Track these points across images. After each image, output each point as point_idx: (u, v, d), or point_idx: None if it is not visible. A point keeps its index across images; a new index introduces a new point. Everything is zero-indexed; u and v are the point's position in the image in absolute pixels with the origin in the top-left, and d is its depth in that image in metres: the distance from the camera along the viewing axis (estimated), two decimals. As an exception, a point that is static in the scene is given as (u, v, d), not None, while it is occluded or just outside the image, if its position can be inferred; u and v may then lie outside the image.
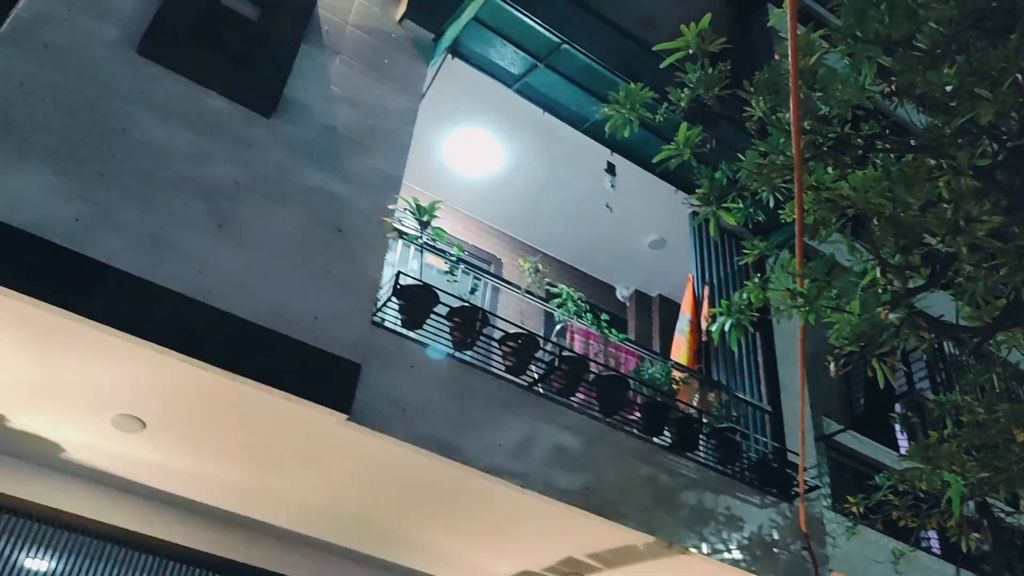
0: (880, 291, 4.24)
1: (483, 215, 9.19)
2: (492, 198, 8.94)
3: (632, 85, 4.56)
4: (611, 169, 7.50)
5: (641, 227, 9.09)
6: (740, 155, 4.80)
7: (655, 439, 6.42)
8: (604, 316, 6.79)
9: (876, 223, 3.85)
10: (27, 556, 5.54)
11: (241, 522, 6.26)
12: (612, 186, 7.49)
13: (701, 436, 6.53)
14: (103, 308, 4.39)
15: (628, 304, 9.93)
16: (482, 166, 8.53)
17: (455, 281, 6.01)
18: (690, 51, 4.33)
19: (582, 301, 6.68)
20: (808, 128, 4.01)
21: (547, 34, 6.90)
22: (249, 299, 4.90)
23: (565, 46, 6.93)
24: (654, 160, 4.62)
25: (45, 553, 5.61)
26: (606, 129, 4.83)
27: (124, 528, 5.86)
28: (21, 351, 4.65)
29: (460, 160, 8.47)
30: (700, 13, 10.52)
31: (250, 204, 5.24)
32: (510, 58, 7.26)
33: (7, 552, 5.46)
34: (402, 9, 6.96)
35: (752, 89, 4.28)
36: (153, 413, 5.10)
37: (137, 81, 5.24)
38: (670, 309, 9.58)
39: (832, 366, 4.21)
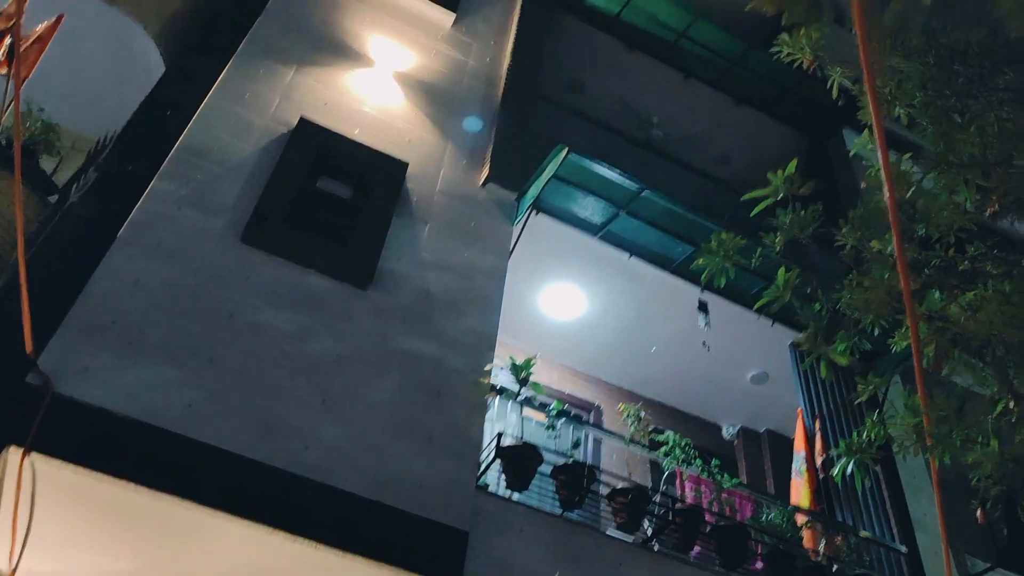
0: (1014, 420, 3.95)
1: (578, 362, 9.13)
2: (585, 344, 8.90)
3: (724, 234, 4.55)
4: (703, 307, 7.41)
5: (741, 362, 8.84)
6: (838, 285, 4.67)
7: (784, 592, 5.98)
8: (714, 461, 6.52)
9: (1001, 350, 3.63)
10: None
11: None
12: (706, 324, 7.37)
13: (834, 586, 6.05)
14: (214, 492, 4.45)
15: (736, 443, 9.55)
16: (573, 313, 8.56)
17: (557, 436, 5.90)
18: (779, 197, 4.32)
19: (689, 447, 6.45)
20: (911, 257, 3.89)
21: (626, 183, 7.02)
22: (355, 472, 4.91)
23: (645, 192, 7.03)
24: (755, 308, 4.55)
25: None
26: (701, 280, 4.81)
27: None
28: (137, 540, 4.71)
29: (551, 309, 8.52)
30: (773, 147, 10.63)
31: (350, 376, 5.34)
32: (592, 208, 7.41)
33: None
34: (484, 173, 7.25)
35: (848, 226, 4.21)
36: (265, 595, 5.04)
37: (242, 268, 5.53)
38: (780, 445, 9.17)
39: (979, 512, 3.89)
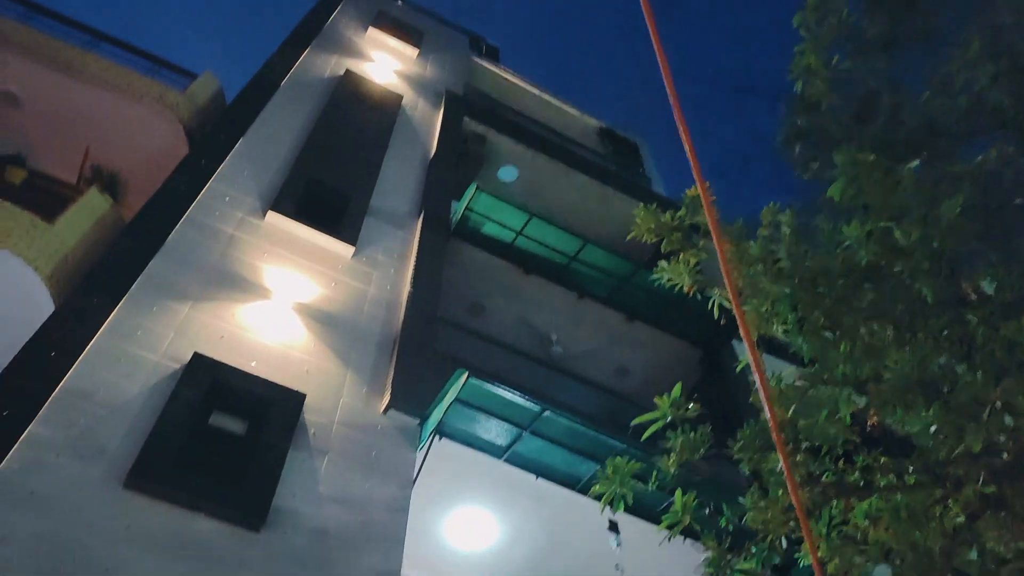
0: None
1: (490, 593, 8.68)
2: (497, 572, 8.51)
3: (618, 459, 4.58)
4: (614, 527, 7.27)
5: (659, 584, 8.58)
6: (741, 499, 4.68)
7: None
8: None
9: (907, 556, 3.65)
10: None
11: None
12: (618, 544, 7.20)
13: None
14: None
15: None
16: (482, 540, 8.25)
17: None
18: (667, 419, 4.41)
19: None
20: (802, 464, 3.98)
21: (528, 404, 7.07)
22: None
23: (547, 412, 7.07)
24: (658, 529, 4.48)
25: None
26: (600, 505, 4.76)
27: None
28: None
29: (458, 538, 8.20)
30: (669, 358, 10.99)
31: (240, 632, 4.91)
32: (495, 430, 7.38)
33: None
34: (386, 400, 7.19)
35: (738, 450, 4.30)
36: None
37: (123, 516, 5.18)
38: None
39: None
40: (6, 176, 7.35)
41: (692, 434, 4.32)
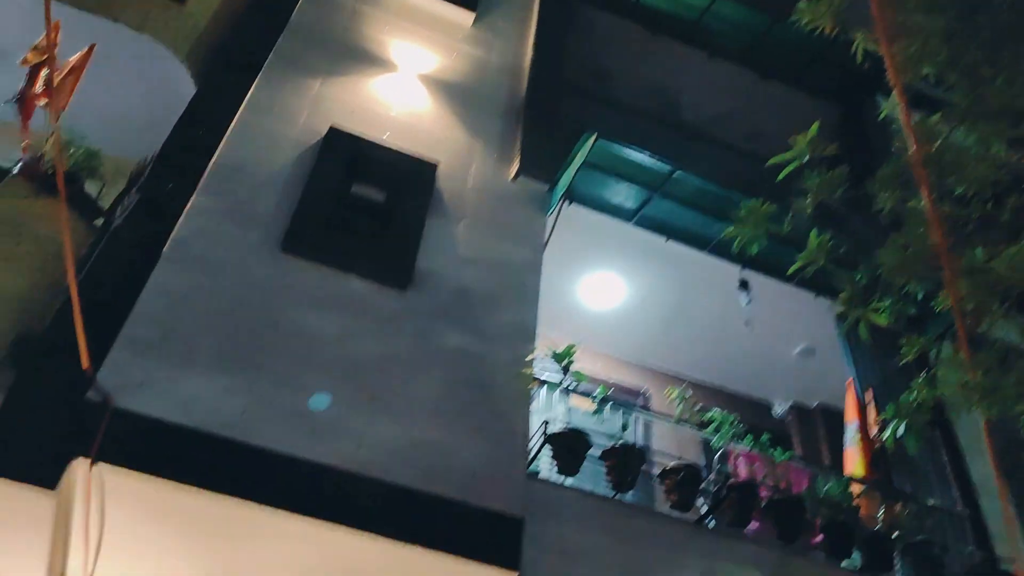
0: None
1: (622, 351, 9.14)
2: (628, 332, 8.91)
3: (753, 201, 4.54)
4: (744, 286, 7.37)
5: (787, 338, 8.78)
6: (878, 249, 4.63)
7: (844, 563, 5.93)
8: (764, 436, 6.47)
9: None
10: None
11: None
12: (748, 302, 7.33)
13: (895, 554, 5.99)
14: (272, 492, 4.57)
15: (788, 420, 9.47)
16: (613, 301, 8.58)
17: (604, 422, 5.93)
18: (805, 159, 4.29)
19: (737, 423, 6.41)
20: (948, 213, 3.84)
21: (657, 165, 7.01)
22: (407, 466, 4.99)
23: (677, 173, 7.01)
24: (788, 272, 4.51)
25: None
26: (734, 248, 4.79)
27: None
28: (204, 543, 4.85)
29: (591, 299, 8.55)
30: (805, 118, 10.46)
31: (396, 375, 5.43)
32: (625, 193, 7.42)
33: None
34: (515, 167, 7.30)
35: (877, 186, 4.17)
36: (330, 591, 5.15)
37: (284, 276, 5.65)
38: (834, 419, 9.06)
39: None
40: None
41: (829, 173, 4.21)
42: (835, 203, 4.26)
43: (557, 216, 7.20)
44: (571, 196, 7.27)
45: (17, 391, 4.46)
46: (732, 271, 7.81)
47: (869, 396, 7.40)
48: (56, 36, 5.30)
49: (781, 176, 4.41)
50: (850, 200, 4.46)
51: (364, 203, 6.45)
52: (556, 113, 8.06)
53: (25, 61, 5.38)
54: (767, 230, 4.48)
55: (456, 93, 7.85)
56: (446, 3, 8.55)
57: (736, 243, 4.62)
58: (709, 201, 7.35)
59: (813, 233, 4.27)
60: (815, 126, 4.30)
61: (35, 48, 5.43)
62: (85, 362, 4.41)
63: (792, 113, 10.84)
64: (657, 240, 7.70)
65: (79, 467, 4.26)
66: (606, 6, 10.28)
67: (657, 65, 10.52)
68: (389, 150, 6.90)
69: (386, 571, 4.91)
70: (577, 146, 6.86)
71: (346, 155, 6.64)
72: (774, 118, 10.88)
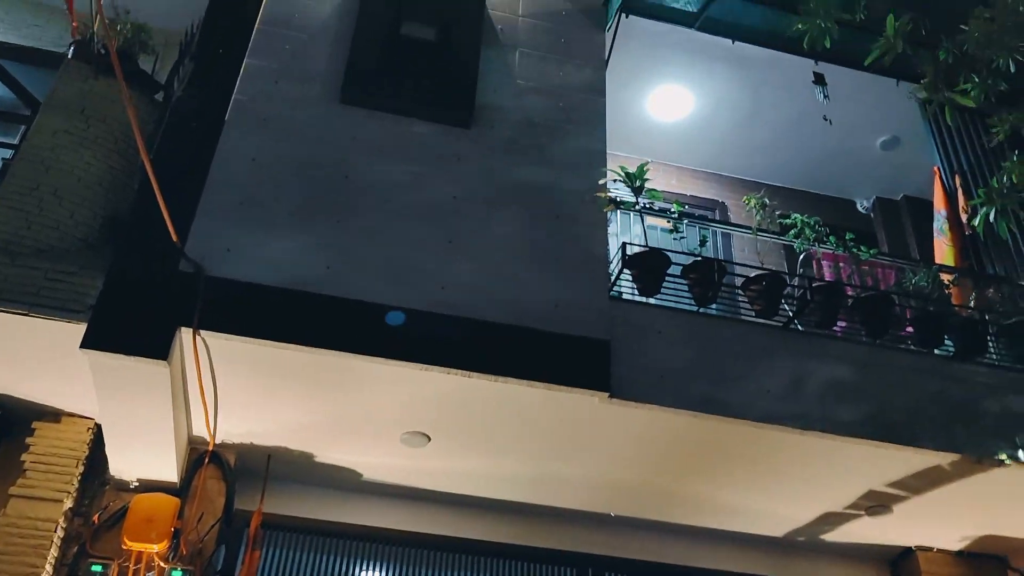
0: None
1: (695, 161, 8.93)
2: (700, 142, 8.65)
3: None
4: (820, 80, 6.98)
5: (868, 130, 8.40)
6: (962, 26, 4.28)
7: (936, 352, 5.93)
8: (849, 235, 6.34)
9: None
10: (353, 570, 6.15)
11: (532, 510, 6.55)
12: (825, 96, 6.97)
13: (989, 337, 5.94)
14: (368, 341, 4.78)
15: (872, 215, 9.23)
16: (682, 112, 8.30)
17: (682, 237, 5.90)
18: None
19: (819, 225, 6.28)
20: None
21: (718, -39, 6.54)
22: (491, 302, 5.12)
23: (740, -33, 6.54)
24: (866, 63, 4.21)
25: (366, 565, 6.19)
26: (805, 44, 4.50)
27: (428, 533, 6.34)
28: (312, 395, 5.17)
29: (661, 112, 8.28)
30: None
31: (470, 214, 5.47)
32: (685, -3, 6.98)
33: (335, 568, 6.11)
34: (566, -18, 6.93)
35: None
36: (434, 425, 5.47)
37: (348, 128, 5.64)
38: (921, 209, 8.78)
39: None
40: None
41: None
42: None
43: (615, 31, 6.87)
44: (628, 7, 6.88)
45: (116, 271, 4.68)
46: (806, 66, 7.38)
47: (957, 182, 7.11)
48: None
49: None
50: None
51: (416, 42, 6.28)
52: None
53: (58, -61, 5.26)
54: (837, 20, 4.16)
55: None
56: None
57: (807, 39, 4.33)
58: (779, -10, 6.84)
59: (890, 18, 3.95)
60: None
61: (66, -76, 5.30)
62: (173, 235, 4.58)
63: None
64: (723, 43, 7.29)
65: (185, 336, 4.52)
66: None
67: None
68: (434, -19, 6.61)
69: (481, 405, 5.17)
70: (630, -48, 6.43)
71: (391, -8, 6.40)
72: None
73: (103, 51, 5.52)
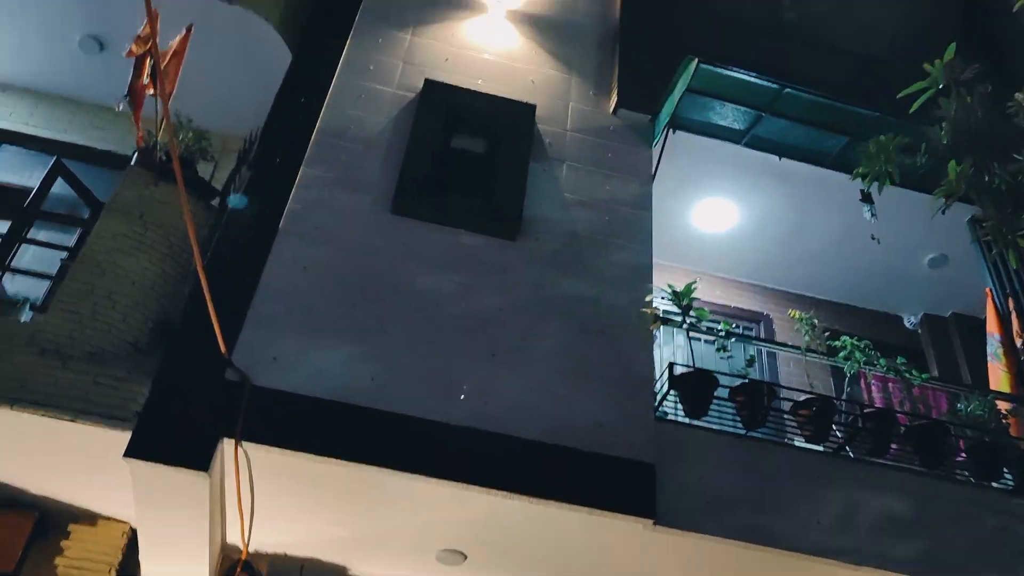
0: None
1: (740, 272, 8.89)
2: (745, 253, 8.63)
3: (883, 137, 4.22)
4: (867, 198, 6.96)
5: (915, 247, 8.31)
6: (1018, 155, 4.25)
7: (995, 485, 5.70)
8: (900, 358, 6.20)
9: None
10: None
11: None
12: (872, 216, 6.94)
13: (1051, 472, 5.70)
14: (409, 457, 4.72)
15: (920, 332, 9.05)
16: (728, 224, 8.30)
17: (730, 356, 5.81)
18: (939, 86, 3.93)
19: (869, 348, 6.15)
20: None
21: (765, 83, 6.64)
22: (534, 420, 5.04)
23: (787, 90, 6.62)
24: (934, 197, 4.15)
25: None
26: (864, 188, 4.51)
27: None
28: (348, 508, 5.09)
29: (704, 223, 8.30)
30: (923, 5, 9.67)
31: (515, 327, 5.45)
32: (732, 115, 7.08)
33: None
34: (613, 101, 7.08)
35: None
36: (471, 544, 5.33)
37: (397, 238, 5.71)
38: (971, 327, 8.61)
39: None
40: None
41: (968, 98, 3.84)
42: (975, 125, 3.89)
43: (663, 146, 6.97)
44: (675, 124, 6.99)
45: (162, 379, 4.70)
46: (852, 184, 7.35)
47: (1011, 305, 6.97)
48: (156, 23, 5.37)
49: (915, 108, 4.07)
50: (987, 107, 4.07)
51: (466, 155, 6.41)
52: (652, 38, 7.74)
53: (130, 53, 5.51)
54: (898, 163, 4.16)
55: (547, 27, 7.63)
56: (528, -67, 8.24)
57: (867, 180, 4.33)
58: (823, 115, 6.91)
59: (952, 163, 3.93)
60: (951, 48, 3.92)
61: (138, 39, 5.54)
62: (222, 345, 4.61)
63: (906, 1, 10.05)
64: (770, 159, 7.34)
65: (227, 447, 4.50)
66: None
67: (754, -34, 9.88)
68: (485, 96, 6.80)
69: (520, 526, 5.03)
70: (677, 73, 6.58)
71: (443, 106, 6.59)
72: (888, 9, 10.14)
73: (165, 157, 5.69)
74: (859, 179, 6.04)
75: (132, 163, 5.73)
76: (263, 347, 4.93)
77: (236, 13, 7.03)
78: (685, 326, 5.73)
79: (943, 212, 4.06)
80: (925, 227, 7.97)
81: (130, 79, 5.50)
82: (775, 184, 7.80)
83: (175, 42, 5.91)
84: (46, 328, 4.83)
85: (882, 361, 6.16)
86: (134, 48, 5.46)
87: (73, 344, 4.84)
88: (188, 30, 5.94)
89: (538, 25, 7.60)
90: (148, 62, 5.53)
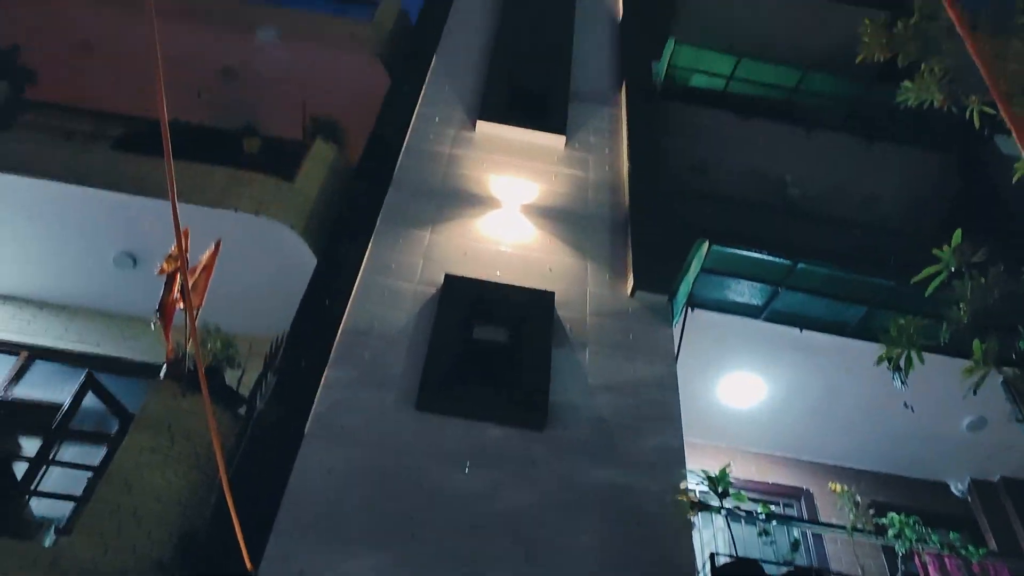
0: None
1: (774, 447, 8.67)
2: (777, 427, 8.45)
3: (903, 320, 4.27)
4: (896, 366, 6.88)
5: (951, 411, 8.11)
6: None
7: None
8: (953, 534, 5.90)
9: None
10: None
11: None
12: (903, 383, 6.83)
13: None
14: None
15: (969, 499, 8.68)
16: (756, 398, 8.18)
17: (773, 543, 5.56)
18: (951, 269, 4.01)
19: (919, 523, 5.88)
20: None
21: (777, 261, 6.77)
22: (574, 624, 4.78)
23: (800, 266, 6.73)
24: (963, 375, 4.12)
25: None
26: (891, 371, 4.51)
27: None
28: None
29: (734, 399, 8.18)
30: (921, 173, 9.98)
31: (547, 523, 5.28)
32: (749, 292, 7.16)
33: None
34: (630, 284, 7.21)
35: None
36: None
37: (423, 435, 5.67)
38: (1023, 491, 8.25)
39: None
40: (245, 148, 8.02)
41: (983, 279, 3.89)
42: (991, 304, 3.92)
43: (684, 325, 7.01)
44: (693, 303, 7.07)
45: (187, 602, 4.55)
46: (878, 348, 7.33)
47: (1061, 467, 6.70)
48: (187, 243, 5.61)
49: (930, 290, 4.13)
50: (1003, 281, 4.10)
51: (489, 345, 6.48)
52: (662, 220, 7.99)
53: (161, 271, 5.72)
54: (920, 344, 4.17)
55: (560, 217, 7.92)
56: (537, 132, 8.75)
57: (893, 364, 4.32)
58: (839, 286, 6.99)
59: (977, 343, 3.93)
60: (958, 233, 4.02)
61: (169, 257, 5.77)
62: (247, 562, 4.47)
63: (905, 169, 10.41)
64: (791, 332, 7.35)
65: (253, 673, 4.27)
66: (693, 100, 10.27)
67: (755, 149, 10.35)
68: (504, 287, 6.97)
69: None
70: (691, 254, 6.73)
71: (464, 299, 6.74)
72: (887, 178, 10.50)
73: (192, 367, 5.77)
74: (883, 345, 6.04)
75: (161, 375, 5.81)
76: (289, 560, 4.78)
77: (263, 223, 7.36)
78: (723, 511, 5.52)
79: (974, 392, 3.98)
80: (959, 390, 7.84)
81: (161, 295, 5.68)
82: (800, 355, 7.75)
83: (205, 256, 6.15)
84: (69, 552, 4.73)
85: (934, 537, 5.87)
86: (165, 266, 5.67)
87: (96, 568, 4.72)
88: (217, 245, 6.18)
89: (551, 216, 7.89)
90: (177, 280, 5.72)
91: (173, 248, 5.81)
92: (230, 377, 6.29)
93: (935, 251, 4.11)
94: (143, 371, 7.38)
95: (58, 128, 8.09)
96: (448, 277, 6.90)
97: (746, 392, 8.10)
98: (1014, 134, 3.41)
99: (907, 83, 4.57)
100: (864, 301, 7.01)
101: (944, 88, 4.42)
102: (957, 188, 10.43)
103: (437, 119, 8.82)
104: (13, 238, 7.74)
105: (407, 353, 6.26)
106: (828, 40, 10.01)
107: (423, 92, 9.18)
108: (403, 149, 8.28)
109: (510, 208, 7.90)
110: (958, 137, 10.30)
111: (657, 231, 7.84)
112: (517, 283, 7.03)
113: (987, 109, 4.88)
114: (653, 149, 9.09)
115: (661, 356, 6.74)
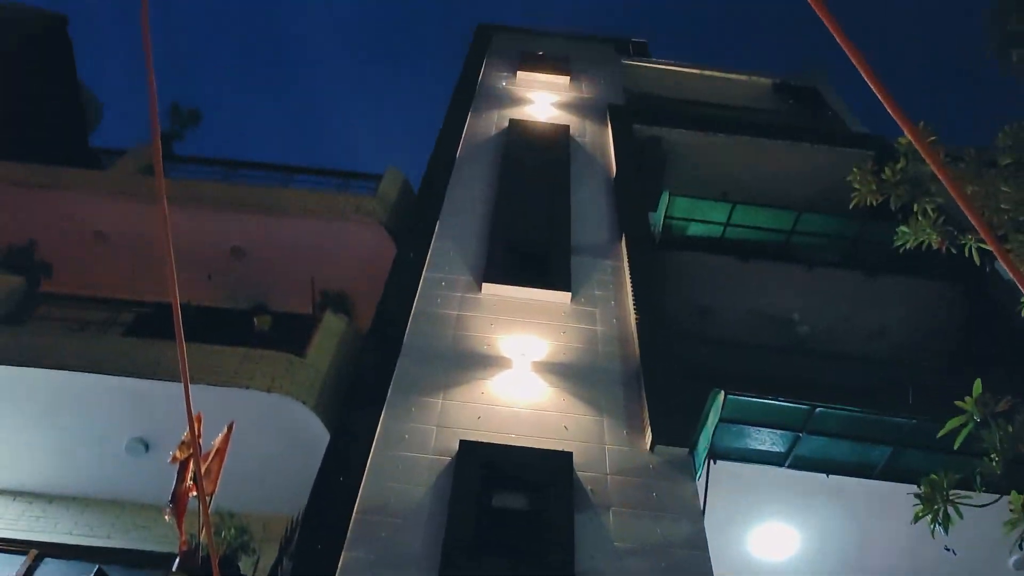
0: None
1: (814, 598, 8.25)
2: (818, 572, 8.08)
3: (933, 476, 4.19)
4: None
5: (994, 549, 7.77)
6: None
7: None
8: None
9: None
10: None
11: None
12: (949, 550, 6.60)
13: None
14: None
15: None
16: (791, 549, 7.86)
17: None
18: (976, 419, 3.97)
19: None
20: None
21: (795, 406, 6.69)
22: None
23: (819, 410, 6.65)
24: (1004, 532, 3.99)
25: None
26: (929, 529, 4.39)
27: None
28: None
29: (765, 551, 7.87)
30: (925, 303, 10.01)
31: None
32: (770, 439, 7.03)
33: None
34: (648, 438, 7.10)
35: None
36: None
37: (446, 616, 5.40)
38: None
39: None
40: (257, 325, 8.14)
41: (1009, 428, 3.84)
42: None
43: (708, 478, 6.84)
44: (715, 454, 6.93)
45: None
46: (909, 491, 7.11)
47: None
48: (199, 427, 5.59)
49: (958, 443, 4.08)
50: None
51: (509, 513, 6.31)
52: (675, 371, 7.96)
53: (174, 459, 5.67)
54: (956, 503, 4.07)
55: (572, 373, 7.89)
56: (543, 290, 8.87)
57: (929, 523, 4.20)
58: (862, 427, 6.87)
59: (1015, 495, 3.84)
60: (978, 384, 4.00)
61: (181, 444, 5.74)
62: None
63: (911, 301, 10.47)
64: (817, 478, 7.16)
65: None
66: (692, 247, 10.48)
67: (757, 289, 10.46)
68: (521, 449, 6.85)
69: None
70: (707, 405, 6.66)
71: (480, 465, 6.61)
72: (893, 311, 10.54)
73: (205, 555, 5.61)
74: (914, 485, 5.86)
75: (174, 567, 5.63)
76: None
77: (275, 400, 7.36)
78: None
79: (1020, 547, 3.84)
80: (1000, 524, 7.57)
81: (174, 485, 5.60)
82: (829, 501, 7.52)
83: (217, 440, 6.11)
84: None
85: None
86: (177, 454, 5.62)
87: None
88: (229, 428, 6.16)
89: (563, 373, 7.87)
90: (191, 466, 5.66)
91: (185, 434, 5.79)
92: (245, 565, 6.09)
93: (957, 403, 4.06)
94: (155, 562, 7.17)
95: (73, 318, 8.24)
96: (463, 443, 6.80)
97: (778, 543, 7.79)
98: (1011, 275, 3.44)
99: (903, 228, 4.67)
100: (888, 441, 6.86)
101: (939, 228, 4.50)
102: (965, 315, 10.45)
103: (443, 283, 8.97)
104: (24, 430, 7.72)
105: (425, 528, 6.07)
106: (819, 184, 10.32)
107: (428, 257, 9.40)
108: (411, 314, 8.37)
109: (521, 367, 7.89)
110: (961, 265, 10.41)
111: (671, 382, 7.79)
112: (533, 444, 6.92)
113: (984, 246, 4.96)
114: (658, 299, 9.19)
115: (687, 513, 6.54)
